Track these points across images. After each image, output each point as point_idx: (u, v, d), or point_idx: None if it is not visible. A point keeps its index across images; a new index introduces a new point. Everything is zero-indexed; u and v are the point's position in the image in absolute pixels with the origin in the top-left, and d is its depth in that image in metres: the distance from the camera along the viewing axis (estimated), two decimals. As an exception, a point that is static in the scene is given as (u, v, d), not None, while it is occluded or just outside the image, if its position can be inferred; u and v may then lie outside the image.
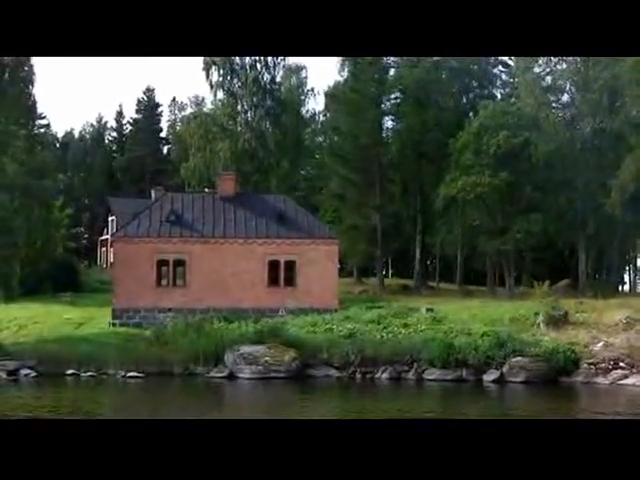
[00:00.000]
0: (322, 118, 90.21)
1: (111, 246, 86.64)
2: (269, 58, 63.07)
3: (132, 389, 36.53)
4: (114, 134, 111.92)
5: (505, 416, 27.79)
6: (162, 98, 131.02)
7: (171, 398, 34.21)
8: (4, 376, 38.54)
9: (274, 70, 63.60)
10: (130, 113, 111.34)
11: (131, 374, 39.30)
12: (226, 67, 62.08)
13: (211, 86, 62.59)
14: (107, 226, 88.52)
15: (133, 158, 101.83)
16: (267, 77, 62.79)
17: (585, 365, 38.06)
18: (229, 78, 62.44)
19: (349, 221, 68.00)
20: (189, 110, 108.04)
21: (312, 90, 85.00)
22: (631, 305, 45.62)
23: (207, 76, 62.48)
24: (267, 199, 53.11)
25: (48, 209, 49.25)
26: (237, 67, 62.50)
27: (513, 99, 62.51)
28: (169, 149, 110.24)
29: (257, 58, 62.60)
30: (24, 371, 39.39)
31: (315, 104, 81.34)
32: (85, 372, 39.80)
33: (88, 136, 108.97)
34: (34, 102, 51.98)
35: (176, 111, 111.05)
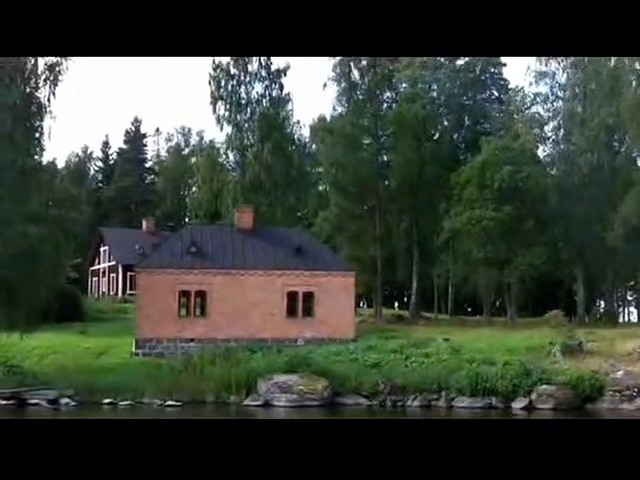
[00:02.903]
0: (307, 150, 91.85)
1: (104, 275, 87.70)
2: (274, 93, 64.63)
3: (178, 418, 37.26)
4: (99, 164, 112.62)
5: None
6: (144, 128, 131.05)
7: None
8: (46, 404, 39.36)
9: (278, 105, 65.02)
10: (113, 143, 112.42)
11: (169, 403, 40.22)
12: (233, 102, 63.48)
13: (218, 120, 63.87)
14: (98, 256, 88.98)
15: (120, 188, 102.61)
16: (272, 111, 64.10)
17: (610, 392, 39.73)
18: (235, 112, 63.75)
19: (348, 252, 69.26)
20: (175, 141, 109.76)
21: (298, 122, 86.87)
22: (639, 334, 47.56)
23: (214, 110, 63.86)
24: (283, 232, 54.46)
25: (75, 240, 50.08)
26: (243, 102, 63.95)
27: (512, 134, 64.39)
28: (152, 179, 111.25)
29: (262, 93, 64.23)
30: (63, 400, 40.18)
31: (300, 136, 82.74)
32: (122, 401, 40.64)
33: (72, 166, 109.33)
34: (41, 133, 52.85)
35: (161, 142, 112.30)
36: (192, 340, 48.49)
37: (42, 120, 47.76)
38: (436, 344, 47.37)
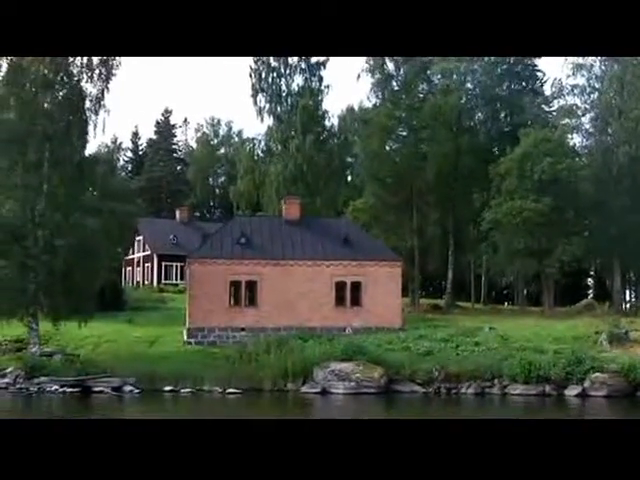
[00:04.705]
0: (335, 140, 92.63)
1: (138, 265, 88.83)
2: (314, 85, 65.55)
3: (248, 404, 38.13)
4: (129, 154, 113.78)
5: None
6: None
7: (301, 411, 36.11)
8: (111, 392, 40.43)
9: (318, 96, 65.92)
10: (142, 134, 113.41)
11: (230, 390, 41.21)
12: (273, 93, 64.46)
13: (259, 112, 64.91)
14: (133, 246, 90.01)
15: (151, 178, 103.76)
16: (312, 103, 64.96)
17: (662, 380, 40.58)
18: (275, 104, 64.74)
19: (385, 242, 70.06)
20: (204, 131, 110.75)
21: (327, 112, 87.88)
22: (680, 323, 48.53)
23: (255, 102, 64.92)
24: (331, 222, 55.62)
25: (129, 232, 51.17)
26: (283, 94, 64.94)
27: (549, 125, 65.08)
28: (182, 170, 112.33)
29: (304, 85, 65.13)
30: (127, 388, 41.25)
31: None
32: (183, 389, 41.65)
33: (103, 157, 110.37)
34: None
35: (191, 132, 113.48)
36: (243, 329, 49.61)
37: (97, 114, 48.86)
38: (484, 333, 48.38)
